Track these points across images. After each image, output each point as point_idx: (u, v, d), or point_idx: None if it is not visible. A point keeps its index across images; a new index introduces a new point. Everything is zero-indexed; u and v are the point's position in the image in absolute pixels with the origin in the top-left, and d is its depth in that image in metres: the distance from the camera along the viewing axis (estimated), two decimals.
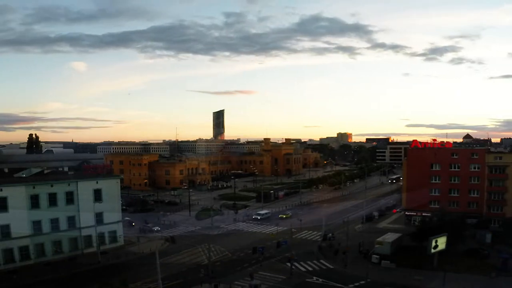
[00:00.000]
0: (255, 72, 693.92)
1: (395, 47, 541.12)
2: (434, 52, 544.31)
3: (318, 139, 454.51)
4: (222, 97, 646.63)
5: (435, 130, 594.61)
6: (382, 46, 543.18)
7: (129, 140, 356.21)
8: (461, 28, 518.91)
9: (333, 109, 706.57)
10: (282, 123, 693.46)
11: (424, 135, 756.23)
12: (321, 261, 64.24)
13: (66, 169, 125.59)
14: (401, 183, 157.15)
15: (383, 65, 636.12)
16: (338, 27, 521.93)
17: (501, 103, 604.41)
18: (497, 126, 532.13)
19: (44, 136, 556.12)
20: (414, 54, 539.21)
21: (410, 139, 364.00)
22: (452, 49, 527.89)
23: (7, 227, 58.31)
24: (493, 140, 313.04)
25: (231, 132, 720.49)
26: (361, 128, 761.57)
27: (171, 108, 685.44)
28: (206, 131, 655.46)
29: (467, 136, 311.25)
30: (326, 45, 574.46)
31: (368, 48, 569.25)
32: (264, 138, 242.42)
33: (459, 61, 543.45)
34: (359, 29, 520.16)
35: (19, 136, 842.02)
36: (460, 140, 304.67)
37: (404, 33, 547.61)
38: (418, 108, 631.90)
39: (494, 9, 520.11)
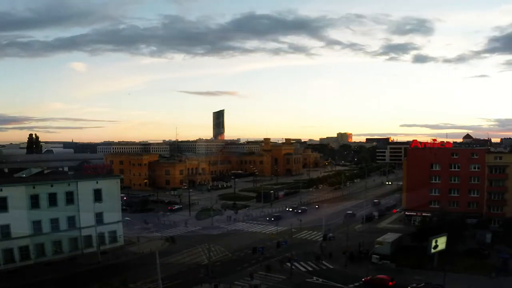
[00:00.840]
0: (252, 73, 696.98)
1: (352, 45, 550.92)
2: (393, 50, 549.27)
3: (318, 139, 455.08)
4: (210, 98, 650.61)
5: (430, 130, 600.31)
6: (339, 43, 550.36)
7: (129, 140, 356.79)
8: (410, 23, 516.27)
9: (333, 109, 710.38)
10: (282, 123, 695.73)
11: (419, 135, 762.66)
12: (321, 261, 64.21)
13: (66, 169, 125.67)
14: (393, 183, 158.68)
15: (377, 66, 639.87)
16: (291, 25, 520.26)
17: (480, 103, 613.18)
18: (491, 126, 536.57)
19: (44, 136, 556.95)
20: (376, 53, 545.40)
21: (405, 139, 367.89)
22: (412, 46, 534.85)
23: (7, 227, 58.27)
24: (493, 140, 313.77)
25: (231, 132, 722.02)
26: (360, 128, 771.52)
27: (171, 108, 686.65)
28: (206, 131, 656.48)
29: (467, 136, 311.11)
30: (313, 44, 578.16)
31: (322, 46, 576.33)
32: (264, 138, 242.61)
33: (423, 59, 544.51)
34: (305, 26, 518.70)
35: (12, 136, 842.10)
36: (456, 139, 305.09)
37: (350, 30, 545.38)
38: (410, 108, 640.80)
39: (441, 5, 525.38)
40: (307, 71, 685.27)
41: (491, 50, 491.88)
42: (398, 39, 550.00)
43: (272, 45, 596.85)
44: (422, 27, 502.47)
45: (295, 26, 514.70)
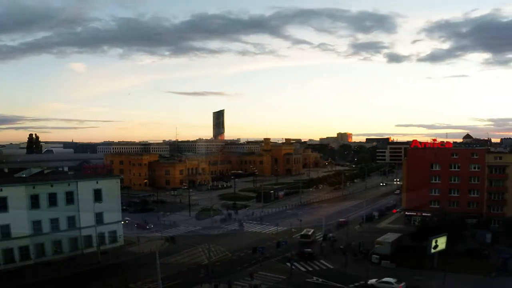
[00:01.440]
0: (248, 74, 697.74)
1: (321, 45, 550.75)
2: (363, 49, 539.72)
3: (318, 139, 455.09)
4: (208, 98, 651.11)
5: (426, 130, 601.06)
6: (307, 43, 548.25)
7: (129, 140, 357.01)
8: (369, 19, 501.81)
9: (330, 110, 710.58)
10: (282, 123, 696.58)
11: (415, 135, 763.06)
12: (321, 261, 64.24)
13: (66, 169, 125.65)
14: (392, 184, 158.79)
15: (354, 65, 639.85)
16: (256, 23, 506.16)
17: (468, 102, 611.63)
18: (486, 126, 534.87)
19: (44, 136, 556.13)
20: (348, 53, 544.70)
21: (401, 139, 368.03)
22: (381, 45, 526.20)
23: (7, 227, 58.24)
24: (493, 140, 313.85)
25: (231, 132, 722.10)
26: (358, 128, 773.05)
27: (170, 109, 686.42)
28: (206, 131, 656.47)
29: (467, 136, 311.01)
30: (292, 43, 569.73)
31: (289, 47, 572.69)
32: (264, 138, 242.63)
33: (397, 58, 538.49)
34: (266, 25, 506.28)
35: (6, 136, 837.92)
36: (452, 139, 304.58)
37: (312, 27, 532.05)
38: (404, 108, 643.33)
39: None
40: (300, 71, 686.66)
41: (461, 48, 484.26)
42: (364, 38, 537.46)
43: (239, 45, 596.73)
44: (384, 24, 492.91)
45: (257, 25, 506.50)
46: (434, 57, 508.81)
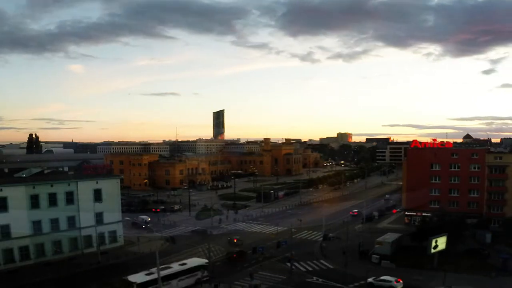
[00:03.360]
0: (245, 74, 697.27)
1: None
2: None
3: (318, 139, 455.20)
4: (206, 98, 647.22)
5: (416, 130, 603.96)
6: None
7: (129, 140, 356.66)
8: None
9: (333, 109, 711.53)
10: (282, 123, 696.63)
11: (405, 135, 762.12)
12: (321, 261, 64.23)
13: (66, 169, 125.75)
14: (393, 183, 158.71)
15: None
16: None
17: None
18: (477, 126, 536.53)
19: (44, 136, 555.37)
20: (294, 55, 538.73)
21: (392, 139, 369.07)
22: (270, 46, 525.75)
23: (7, 227, 58.29)
24: (493, 140, 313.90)
25: (231, 132, 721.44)
26: (354, 128, 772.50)
27: (171, 109, 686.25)
28: (206, 131, 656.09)
29: (467, 136, 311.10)
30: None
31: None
32: (264, 138, 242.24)
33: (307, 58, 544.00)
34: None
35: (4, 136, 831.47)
36: (448, 139, 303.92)
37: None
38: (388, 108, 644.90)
39: None
40: (295, 72, 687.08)
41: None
42: (242, 34, 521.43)
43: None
44: (239, 15, 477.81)
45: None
46: (351, 55, 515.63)
